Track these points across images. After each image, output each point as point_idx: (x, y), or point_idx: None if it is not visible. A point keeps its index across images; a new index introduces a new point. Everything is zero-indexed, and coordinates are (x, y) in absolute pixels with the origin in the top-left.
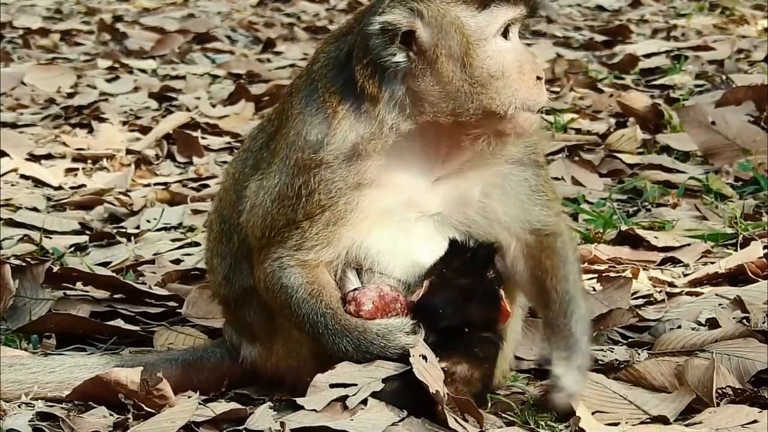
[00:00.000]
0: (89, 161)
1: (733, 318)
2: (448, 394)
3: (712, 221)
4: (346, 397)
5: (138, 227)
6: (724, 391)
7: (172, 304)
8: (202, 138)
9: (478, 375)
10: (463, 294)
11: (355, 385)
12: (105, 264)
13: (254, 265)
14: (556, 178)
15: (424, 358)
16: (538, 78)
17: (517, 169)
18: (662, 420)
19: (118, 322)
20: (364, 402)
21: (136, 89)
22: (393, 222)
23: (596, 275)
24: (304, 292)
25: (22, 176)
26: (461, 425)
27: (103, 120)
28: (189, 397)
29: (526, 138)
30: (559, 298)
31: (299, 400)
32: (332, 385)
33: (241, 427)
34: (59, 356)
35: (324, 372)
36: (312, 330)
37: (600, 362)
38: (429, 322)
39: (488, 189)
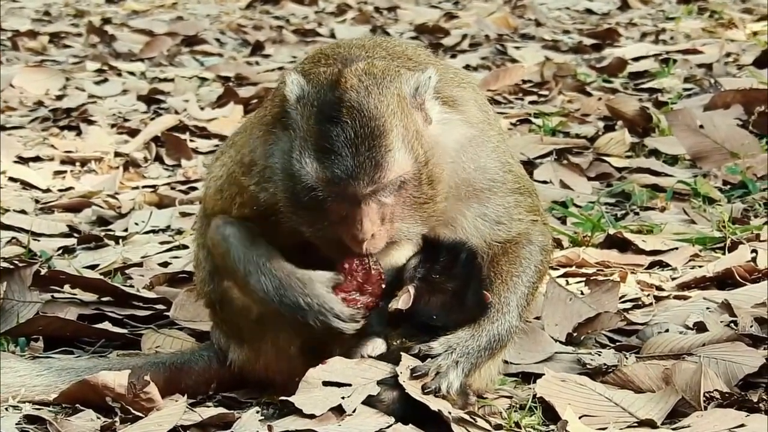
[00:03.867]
0: (77, 164)
1: (721, 322)
2: (450, 412)
3: (700, 225)
4: (340, 406)
5: (126, 230)
6: (712, 394)
7: (159, 307)
8: (191, 141)
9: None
10: (453, 298)
11: (349, 385)
12: (93, 267)
13: (206, 229)
14: (543, 182)
15: (413, 371)
16: None
17: (476, 205)
18: (650, 423)
19: (106, 325)
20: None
21: (124, 92)
22: None
23: (584, 278)
24: (243, 240)
25: (10, 179)
26: None
27: (91, 122)
28: (176, 400)
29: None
30: (497, 303)
31: (292, 399)
32: (325, 383)
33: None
34: (47, 359)
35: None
36: (245, 273)
37: (588, 366)
38: (422, 329)
39: (448, 221)
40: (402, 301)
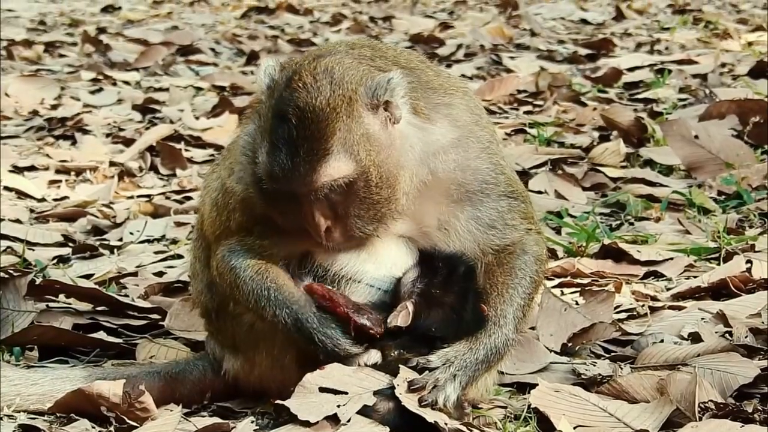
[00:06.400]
0: (72, 173)
1: (716, 332)
2: (446, 423)
3: (695, 235)
4: (335, 415)
5: (121, 239)
6: (707, 405)
7: (154, 316)
8: (186, 150)
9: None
10: (452, 313)
11: (345, 393)
12: (88, 276)
13: (211, 257)
14: (538, 192)
15: (410, 384)
16: None
17: (469, 208)
18: None
19: (101, 335)
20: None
21: (119, 101)
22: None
23: (579, 289)
24: (251, 270)
25: (6, 188)
26: None
27: (86, 132)
28: (171, 410)
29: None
30: (493, 317)
31: (287, 403)
32: (321, 389)
33: None
34: (41, 368)
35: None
36: (256, 304)
37: (582, 376)
38: (420, 341)
39: (441, 225)
40: (401, 318)
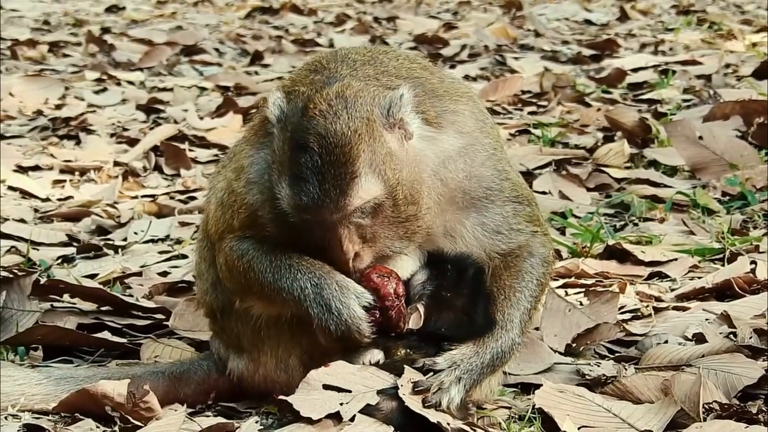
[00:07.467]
0: (77, 173)
1: (720, 333)
2: (449, 423)
3: (700, 236)
4: (338, 412)
5: (125, 239)
6: (711, 406)
7: (159, 316)
8: (190, 150)
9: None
10: (463, 315)
11: (349, 391)
12: (92, 276)
13: (216, 257)
14: (543, 192)
15: (415, 385)
16: None
17: (474, 214)
18: None
19: (105, 335)
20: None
21: (123, 101)
22: None
23: (583, 289)
24: (266, 250)
25: (10, 188)
26: None
27: (90, 132)
28: (176, 410)
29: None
30: (500, 320)
31: (290, 399)
32: (325, 387)
33: None
34: (46, 368)
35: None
36: (274, 277)
37: (587, 376)
38: (429, 340)
39: (447, 232)
40: (413, 321)
